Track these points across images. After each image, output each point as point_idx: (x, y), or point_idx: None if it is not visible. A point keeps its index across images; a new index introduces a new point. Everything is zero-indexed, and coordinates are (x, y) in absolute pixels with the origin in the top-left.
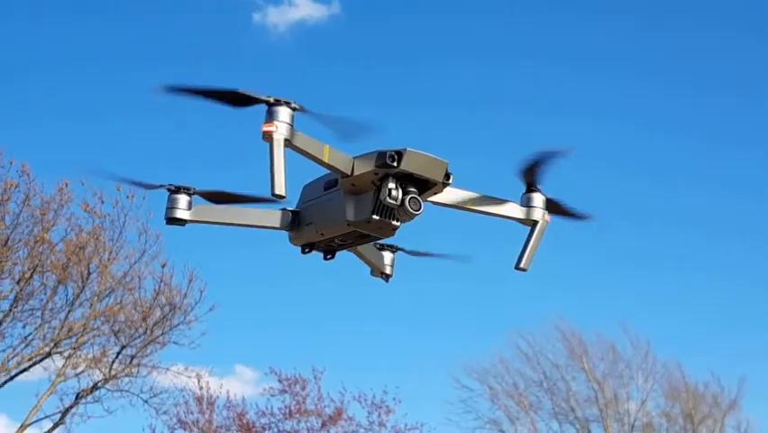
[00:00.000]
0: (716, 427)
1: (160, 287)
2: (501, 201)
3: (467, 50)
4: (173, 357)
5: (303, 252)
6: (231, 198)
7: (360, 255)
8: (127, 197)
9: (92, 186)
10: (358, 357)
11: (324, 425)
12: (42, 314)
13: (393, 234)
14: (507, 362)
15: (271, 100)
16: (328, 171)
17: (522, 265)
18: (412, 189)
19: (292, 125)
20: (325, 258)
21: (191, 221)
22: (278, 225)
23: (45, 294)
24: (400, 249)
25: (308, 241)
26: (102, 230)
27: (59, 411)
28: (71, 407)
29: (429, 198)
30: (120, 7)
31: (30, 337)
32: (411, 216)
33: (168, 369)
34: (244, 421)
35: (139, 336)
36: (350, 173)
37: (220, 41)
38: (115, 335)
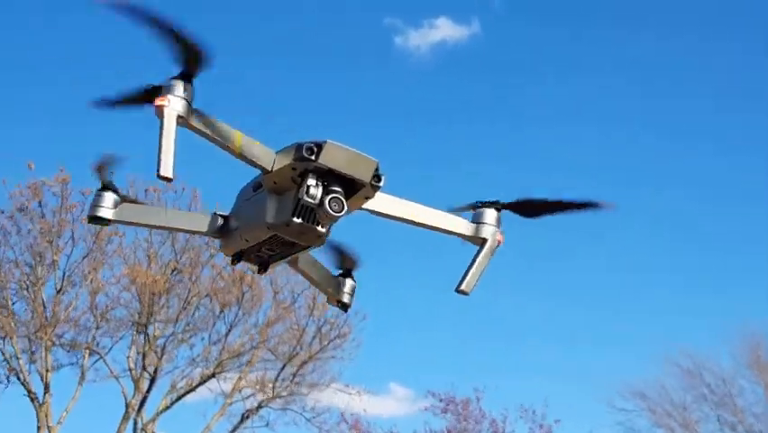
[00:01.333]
0: None
1: (313, 303)
2: (447, 215)
3: (609, 68)
4: (332, 376)
5: (232, 262)
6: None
7: (309, 278)
8: None
9: None
10: (512, 374)
11: None
12: (209, 336)
13: (320, 243)
14: (666, 378)
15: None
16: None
17: (463, 288)
18: (336, 189)
19: (190, 102)
20: (259, 271)
21: (114, 221)
22: (204, 230)
23: (209, 318)
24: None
25: (237, 249)
26: None
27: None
28: (238, 426)
29: (365, 207)
30: (261, 39)
31: (197, 359)
32: (332, 219)
33: (328, 385)
34: None
35: (297, 354)
36: (270, 168)
37: (364, 65)
38: (274, 354)
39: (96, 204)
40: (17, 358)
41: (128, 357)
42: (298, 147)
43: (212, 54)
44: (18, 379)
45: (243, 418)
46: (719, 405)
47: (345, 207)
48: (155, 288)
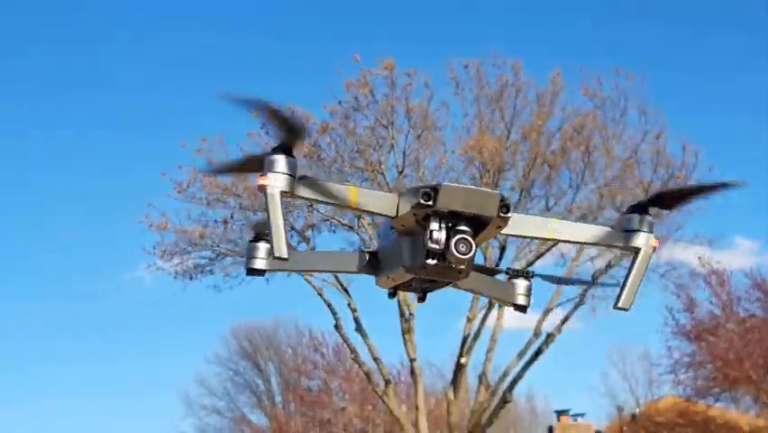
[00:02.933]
0: None
1: (657, 159)
2: (591, 226)
3: None
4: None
5: (389, 296)
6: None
7: (478, 293)
8: (627, 78)
9: (589, 71)
10: None
11: None
12: (546, 201)
13: (464, 276)
14: None
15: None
16: None
17: (620, 305)
18: (462, 229)
19: (293, 175)
20: (419, 300)
21: (271, 270)
22: (355, 269)
23: (548, 181)
24: (536, 275)
25: (387, 285)
26: (599, 112)
27: (577, 294)
28: (589, 287)
29: (504, 232)
30: None
31: None
32: (461, 261)
33: (677, 241)
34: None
35: None
36: (395, 214)
37: None
38: (620, 211)
39: (250, 256)
40: (371, 239)
41: None
42: (414, 193)
43: (306, 130)
44: None
45: (594, 278)
46: None
47: (473, 247)
48: (497, 154)
